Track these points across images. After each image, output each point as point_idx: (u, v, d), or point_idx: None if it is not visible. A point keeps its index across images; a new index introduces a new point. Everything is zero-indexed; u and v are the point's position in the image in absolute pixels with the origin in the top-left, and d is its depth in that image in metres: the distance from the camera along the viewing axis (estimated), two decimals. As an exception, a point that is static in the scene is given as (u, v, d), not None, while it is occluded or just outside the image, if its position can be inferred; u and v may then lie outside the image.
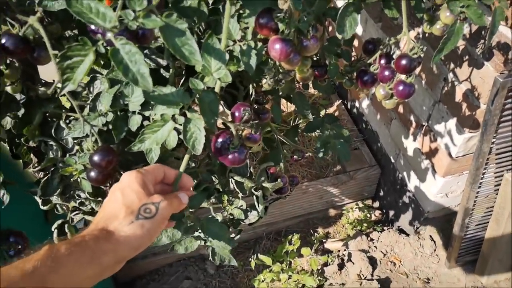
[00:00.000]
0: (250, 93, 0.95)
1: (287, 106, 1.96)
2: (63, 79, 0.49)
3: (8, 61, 0.66)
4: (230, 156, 0.68)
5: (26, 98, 0.71)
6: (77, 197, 0.75)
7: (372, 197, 1.87)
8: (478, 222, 1.39)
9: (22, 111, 0.72)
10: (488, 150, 1.13)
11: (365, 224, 1.76)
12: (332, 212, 1.85)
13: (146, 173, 0.57)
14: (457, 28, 0.69)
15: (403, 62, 0.76)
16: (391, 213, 1.78)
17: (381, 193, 1.82)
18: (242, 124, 0.70)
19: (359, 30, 1.65)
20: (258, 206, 0.94)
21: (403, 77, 0.80)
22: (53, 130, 0.70)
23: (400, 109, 1.49)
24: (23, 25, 0.65)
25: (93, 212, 0.75)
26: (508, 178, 1.20)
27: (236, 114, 0.72)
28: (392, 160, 1.66)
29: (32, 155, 0.89)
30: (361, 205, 1.80)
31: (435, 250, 1.57)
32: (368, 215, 1.78)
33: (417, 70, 1.32)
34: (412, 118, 1.43)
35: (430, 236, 1.59)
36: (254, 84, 0.94)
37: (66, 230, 0.75)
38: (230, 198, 0.95)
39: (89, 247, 0.48)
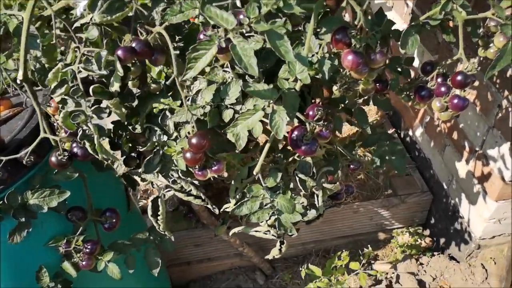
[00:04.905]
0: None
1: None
2: (186, 67, 0.65)
3: (134, 61, 0.84)
4: (303, 147, 0.82)
5: (141, 92, 0.89)
6: (170, 176, 0.89)
7: (422, 224, 1.89)
8: (532, 251, 1.40)
9: (136, 102, 0.89)
10: (542, 173, 1.17)
11: (414, 250, 1.79)
12: (382, 235, 1.90)
13: None
14: (510, 48, 0.79)
15: (459, 77, 0.86)
16: (442, 240, 1.80)
17: (432, 221, 1.84)
18: (315, 122, 0.83)
19: (416, 62, 1.76)
20: (318, 204, 1.05)
21: (458, 92, 0.90)
22: (159, 118, 0.86)
23: (455, 135, 1.56)
24: (148, 33, 0.83)
25: (182, 190, 0.89)
26: None
27: (310, 112, 0.85)
28: (444, 186, 1.70)
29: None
30: (411, 230, 1.84)
31: (486, 279, 1.57)
32: (419, 240, 1.81)
33: (472, 97, 1.39)
34: (466, 144, 1.49)
35: (482, 264, 1.60)
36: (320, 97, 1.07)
37: (159, 204, 0.90)
38: (293, 195, 1.07)
39: None
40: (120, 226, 1.12)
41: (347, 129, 2.06)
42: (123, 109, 0.92)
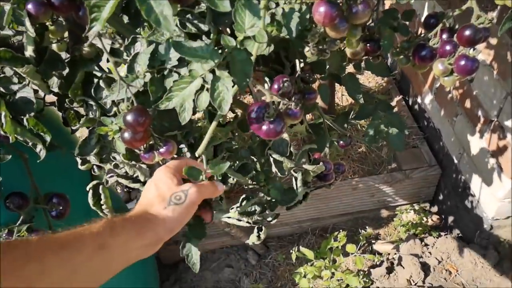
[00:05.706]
0: (296, 69, 0.90)
1: (341, 99, 1.88)
2: (90, 19, 0.49)
3: (54, 18, 0.68)
4: (264, 127, 0.65)
5: (71, 57, 0.73)
6: (112, 159, 0.75)
7: (430, 200, 1.73)
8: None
9: (66, 70, 0.73)
10: None
11: (420, 228, 1.63)
12: (384, 212, 1.74)
13: (174, 166, 0.66)
14: (535, -9, 0.60)
15: (467, 32, 0.67)
16: (451, 218, 1.64)
17: (441, 197, 1.68)
18: (280, 97, 0.66)
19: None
20: (297, 189, 0.90)
21: (466, 51, 0.71)
22: (92, 90, 0.70)
23: (467, 103, 1.36)
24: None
25: (126, 176, 0.75)
26: None
27: (275, 85, 0.68)
28: (455, 160, 1.52)
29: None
30: (417, 207, 1.68)
31: (498, 262, 1.41)
32: (424, 219, 1.65)
33: (489, 59, 1.19)
34: (480, 113, 1.29)
35: (494, 246, 1.44)
36: (301, 60, 0.89)
37: (100, 191, 0.76)
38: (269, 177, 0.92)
39: (137, 223, 0.58)
40: (84, 210, 0.99)
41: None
42: (56, 80, 0.77)
